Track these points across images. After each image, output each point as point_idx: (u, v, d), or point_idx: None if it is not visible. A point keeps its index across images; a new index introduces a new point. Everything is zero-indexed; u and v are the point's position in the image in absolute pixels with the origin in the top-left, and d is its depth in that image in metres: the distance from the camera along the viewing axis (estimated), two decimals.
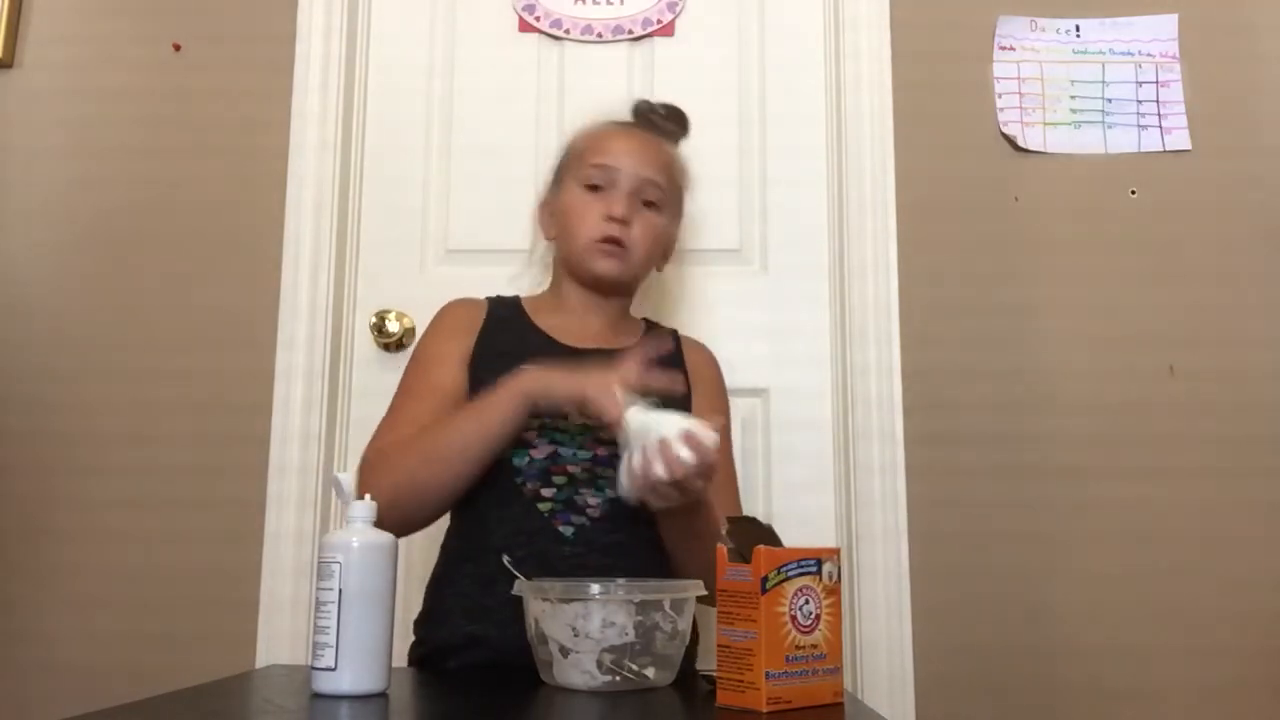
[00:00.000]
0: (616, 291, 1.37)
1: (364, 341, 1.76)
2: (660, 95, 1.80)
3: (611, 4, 1.85)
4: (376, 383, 1.73)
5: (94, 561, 1.67)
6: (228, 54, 1.80)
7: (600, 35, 1.84)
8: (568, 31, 1.84)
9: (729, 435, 1.39)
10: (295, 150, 1.76)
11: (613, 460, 1.23)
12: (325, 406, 1.70)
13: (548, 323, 1.34)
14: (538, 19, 1.85)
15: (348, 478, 1.00)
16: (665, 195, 1.35)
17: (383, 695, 0.95)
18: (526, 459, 1.23)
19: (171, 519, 1.67)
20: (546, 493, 1.21)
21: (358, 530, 0.98)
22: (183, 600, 1.65)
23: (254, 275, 1.73)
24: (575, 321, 1.35)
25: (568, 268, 1.37)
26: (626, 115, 1.43)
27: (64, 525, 1.68)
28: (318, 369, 1.70)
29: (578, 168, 1.35)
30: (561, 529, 1.20)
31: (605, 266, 1.32)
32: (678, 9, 1.84)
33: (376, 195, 1.81)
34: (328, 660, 0.94)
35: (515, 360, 1.25)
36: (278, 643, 1.62)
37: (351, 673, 0.94)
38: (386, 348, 1.75)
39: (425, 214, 1.81)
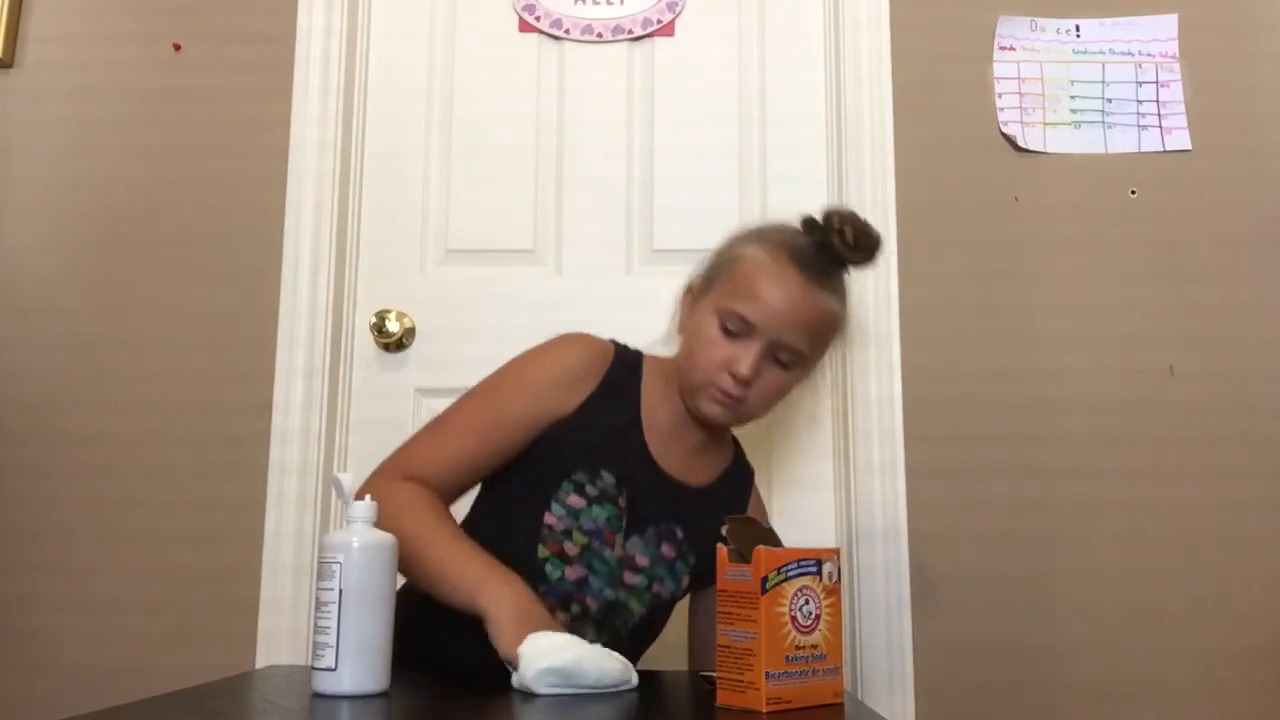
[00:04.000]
0: (718, 430, 1.30)
1: (364, 341, 1.76)
2: (660, 95, 1.83)
3: (611, 4, 1.85)
4: (376, 383, 1.73)
5: (95, 561, 1.67)
6: (228, 54, 1.80)
7: (600, 35, 1.84)
8: (568, 31, 1.84)
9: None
10: (295, 150, 1.76)
11: (622, 606, 1.21)
12: (325, 406, 1.70)
13: (652, 410, 1.25)
14: (538, 19, 1.85)
15: (348, 478, 0.99)
16: (802, 356, 1.21)
17: (383, 695, 0.95)
18: (560, 574, 1.19)
19: (171, 519, 1.67)
20: (560, 617, 1.17)
21: (358, 530, 0.98)
22: (183, 600, 1.65)
23: (254, 275, 1.73)
24: (675, 427, 1.26)
25: (680, 385, 1.25)
26: (815, 217, 1.22)
27: (64, 525, 1.68)
28: (318, 369, 1.70)
29: (724, 296, 1.20)
30: None
31: (712, 412, 1.21)
32: (678, 9, 1.84)
33: (376, 195, 1.81)
34: (328, 660, 0.94)
35: (603, 460, 1.20)
36: (278, 643, 1.62)
37: (351, 673, 0.94)
38: (386, 348, 1.75)
39: (425, 214, 1.81)
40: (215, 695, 0.98)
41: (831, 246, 1.19)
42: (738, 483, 1.33)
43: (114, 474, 1.69)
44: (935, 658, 1.59)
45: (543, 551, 1.18)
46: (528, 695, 0.96)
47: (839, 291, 1.23)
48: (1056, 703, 1.59)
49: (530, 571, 1.16)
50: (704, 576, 1.24)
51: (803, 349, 1.20)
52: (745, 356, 1.17)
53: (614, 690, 0.98)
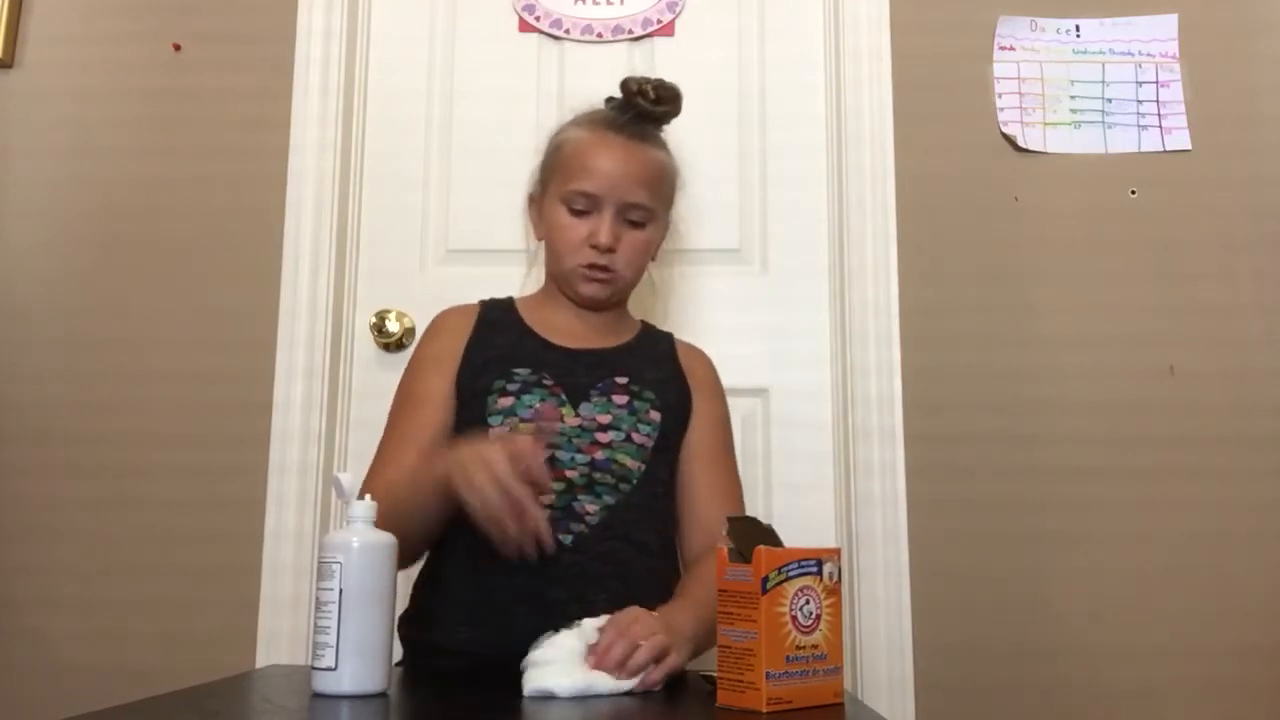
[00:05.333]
0: (606, 307, 1.36)
1: (364, 341, 1.76)
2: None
3: (611, 4, 1.85)
4: (376, 383, 1.73)
5: (94, 561, 1.67)
6: (228, 54, 1.80)
7: (600, 35, 1.84)
8: (568, 31, 1.84)
9: (729, 431, 1.39)
10: (295, 150, 1.76)
11: (609, 464, 1.23)
12: (325, 406, 1.70)
13: (541, 322, 1.33)
14: (538, 19, 1.85)
15: (348, 478, 0.99)
16: (651, 211, 1.31)
17: (383, 695, 0.95)
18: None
19: (172, 519, 1.67)
20: (545, 499, 1.19)
21: (358, 530, 0.98)
22: (183, 600, 1.65)
23: (254, 275, 1.73)
24: (569, 322, 1.34)
25: (554, 281, 1.36)
26: (616, 95, 1.34)
27: (64, 525, 1.68)
28: (318, 369, 1.70)
29: (561, 182, 1.30)
30: (561, 537, 1.18)
31: (591, 290, 1.30)
32: (678, 9, 1.84)
33: (376, 195, 1.81)
34: (328, 660, 0.94)
35: (510, 364, 1.27)
36: (278, 643, 1.62)
37: (351, 673, 0.94)
38: (386, 348, 1.75)
39: (425, 214, 1.81)
40: (215, 695, 0.98)
41: (639, 108, 1.30)
42: (656, 337, 1.40)
43: (114, 474, 1.69)
44: (935, 658, 1.59)
45: None
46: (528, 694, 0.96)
47: (661, 144, 1.33)
48: (1056, 703, 1.59)
49: None
50: (670, 408, 1.30)
51: (648, 203, 1.29)
52: (600, 226, 1.27)
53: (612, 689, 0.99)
